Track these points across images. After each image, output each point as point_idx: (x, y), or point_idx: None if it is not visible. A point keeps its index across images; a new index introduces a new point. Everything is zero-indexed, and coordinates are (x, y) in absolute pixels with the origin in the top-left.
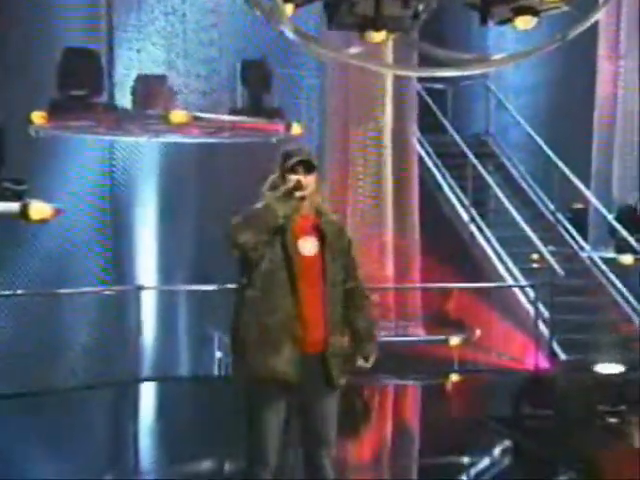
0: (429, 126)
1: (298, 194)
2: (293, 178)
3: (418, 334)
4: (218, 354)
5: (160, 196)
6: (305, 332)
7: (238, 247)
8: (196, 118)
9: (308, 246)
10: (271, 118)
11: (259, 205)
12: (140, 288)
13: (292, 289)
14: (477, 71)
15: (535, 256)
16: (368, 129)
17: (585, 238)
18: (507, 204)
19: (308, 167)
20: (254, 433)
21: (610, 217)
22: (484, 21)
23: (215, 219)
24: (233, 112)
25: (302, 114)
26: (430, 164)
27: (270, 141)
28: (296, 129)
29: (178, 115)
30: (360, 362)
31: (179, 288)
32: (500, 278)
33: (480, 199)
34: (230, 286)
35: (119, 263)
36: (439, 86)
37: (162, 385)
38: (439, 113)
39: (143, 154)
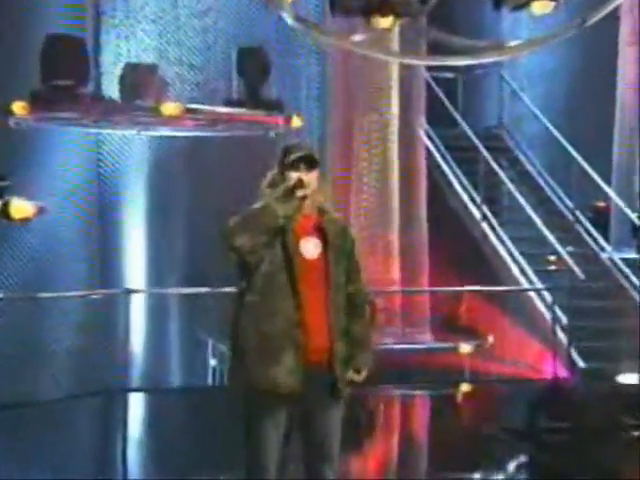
0: (438, 118)
1: (299, 193)
2: (294, 176)
3: (426, 341)
4: (212, 362)
5: (150, 193)
6: (307, 339)
7: (235, 250)
8: (189, 110)
9: (310, 247)
10: (269, 110)
11: (257, 205)
12: (129, 291)
13: (293, 293)
14: (490, 59)
15: (552, 257)
16: (372, 121)
17: (606, 238)
18: (522, 201)
19: (310, 163)
20: (252, 447)
21: (633, 215)
22: (497, 7)
23: (209, 218)
24: (229, 104)
25: (302, 106)
26: (439, 159)
27: (268, 135)
28: (296, 122)
29: (170, 107)
30: (351, 374)
31: (170, 291)
32: (514, 281)
33: (493, 196)
34: (225, 289)
35: (106, 265)
36: (449, 75)
37: (152, 396)
38: (449, 104)
39: (132, 148)
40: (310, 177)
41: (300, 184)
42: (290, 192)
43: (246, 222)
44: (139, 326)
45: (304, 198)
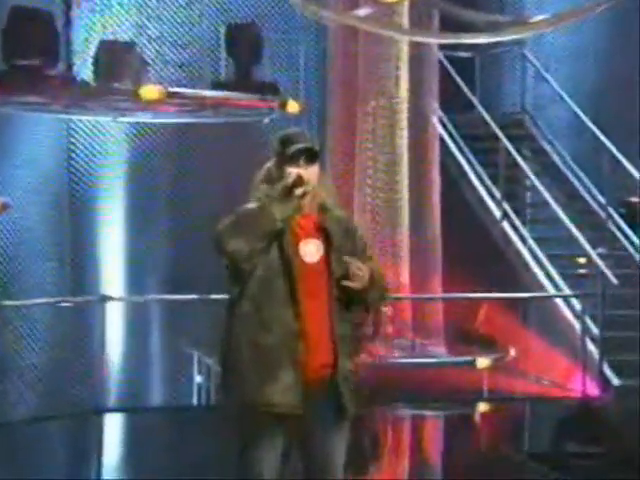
0: (453, 102)
1: (299, 191)
2: (293, 171)
3: (439, 354)
4: (198, 379)
5: (129, 187)
6: (308, 353)
7: (229, 256)
8: (171, 94)
9: (311, 250)
10: (262, 94)
11: (252, 205)
12: (104, 299)
13: (292, 301)
14: (512, 36)
15: (582, 260)
16: (379, 107)
17: None
18: (547, 197)
19: (310, 157)
20: (247, 470)
21: None
22: None
23: (195, 215)
24: (216, 86)
25: (299, 89)
26: (454, 149)
27: (261, 121)
28: (292, 107)
29: (150, 90)
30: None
31: (152, 298)
32: (539, 287)
33: (514, 191)
34: (214, 296)
35: (79, 268)
36: (465, 54)
37: (131, 417)
38: (465, 87)
39: (108, 137)
40: (310, 172)
41: (300, 181)
42: (288, 190)
43: (240, 225)
44: (116, 338)
45: (304, 196)
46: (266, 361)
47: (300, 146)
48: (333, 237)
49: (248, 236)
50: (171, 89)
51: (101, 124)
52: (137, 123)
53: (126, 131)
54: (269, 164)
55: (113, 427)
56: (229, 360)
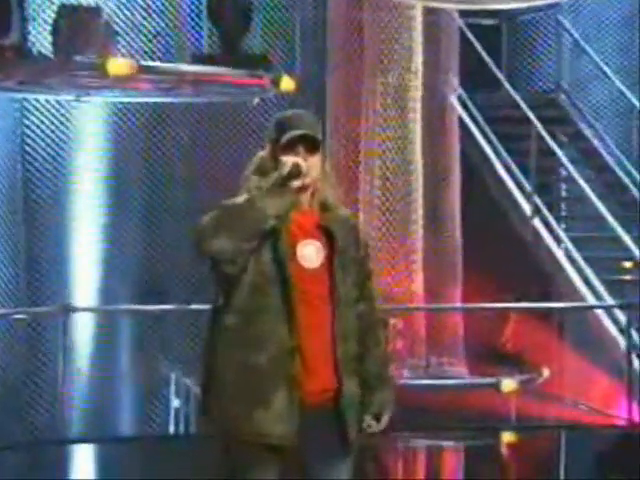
0: (475, 79)
1: (296, 183)
2: (290, 160)
3: (459, 375)
4: (175, 403)
5: (96, 180)
6: (306, 374)
7: (210, 258)
8: (145, 69)
9: (310, 253)
10: (252, 69)
11: (240, 199)
12: (67, 309)
13: (288, 314)
14: (545, 0)
15: (627, 264)
16: (388, 84)
17: None
18: (587, 190)
19: (311, 144)
20: None
21: None
22: None
23: (174, 213)
24: (197, 60)
25: (295, 62)
26: (477, 134)
27: (251, 102)
28: (287, 83)
29: (119, 64)
30: (368, 421)
31: (122, 309)
32: (576, 295)
33: (548, 183)
34: (194, 306)
35: (36, 275)
36: (489, 22)
37: (98, 448)
38: (489, 60)
39: (70, 120)
40: (311, 162)
41: (297, 172)
42: (284, 182)
43: (225, 221)
44: (80, 355)
45: (303, 189)
46: (256, 384)
47: (299, 131)
48: (337, 238)
49: (234, 234)
50: (144, 63)
51: (62, 104)
52: (104, 103)
53: (92, 113)
54: (263, 152)
55: (77, 460)
56: (212, 382)
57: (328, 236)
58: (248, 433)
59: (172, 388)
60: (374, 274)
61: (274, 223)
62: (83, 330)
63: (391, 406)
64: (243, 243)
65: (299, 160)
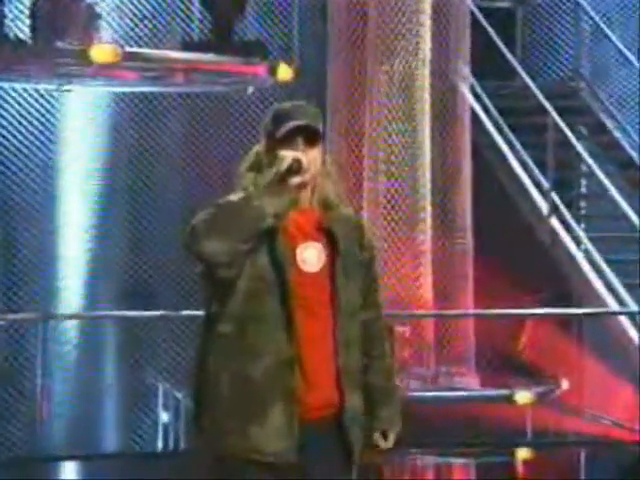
0: (488, 67)
1: (296, 180)
2: (288, 155)
3: (470, 386)
4: (164, 417)
5: (76, 176)
6: (306, 387)
7: (203, 261)
8: (131, 56)
9: (310, 256)
10: (246, 56)
11: (235, 197)
12: (46, 316)
13: (286, 322)
14: None
15: None
16: (394, 72)
17: None
18: (608, 186)
19: (311, 137)
20: None
21: None
22: None
23: (163, 211)
24: (188, 47)
25: (293, 49)
26: (489, 125)
27: (245, 91)
28: (284, 72)
29: (103, 51)
30: (376, 439)
31: (106, 315)
32: (597, 300)
33: (566, 179)
34: (185, 312)
35: (13, 280)
36: (504, 4)
37: (81, 466)
38: (503, 46)
39: (50, 111)
40: (311, 157)
41: (297, 167)
42: (283, 179)
43: (220, 221)
44: (62, 366)
45: (302, 186)
46: (252, 397)
47: (298, 123)
48: (339, 240)
49: (229, 235)
50: (130, 49)
51: (41, 94)
52: (88, 93)
53: (73, 103)
54: (259, 146)
55: (57, 479)
56: (205, 395)
57: (329, 237)
58: (243, 450)
59: (160, 401)
60: (380, 278)
61: (272, 223)
62: (64, 338)
63: (399, 422)
64: (239, 244)
65: (298, 155)
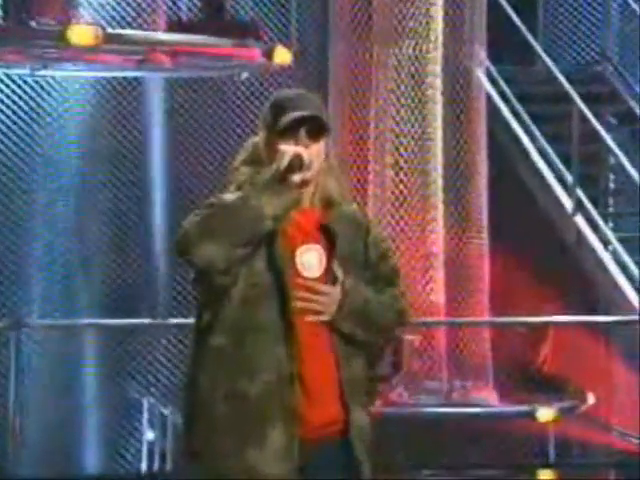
0: (507, 50)
1: (297, 177)
2: (289, 150)
3: (487, 401)
4: (149, 435)
5: (54, 170)
6: (308, 404)
7: (196, 267)
8: (113, 37)
9: (310, 260)
10: (240, 38)
11: (232, 196)
12: (19, 325)
13: (286, 333)
14: None
15: None
16: (403, 56)
17: None
18: (639, 181)
19: (315, 129)
20: None
21: None
22: None
23: (147, 208)
24: (175, 27)
25: (291, 30)
26: (507, 114)
27: (238, 77)
28: (281, 55)
29: (82, 32)
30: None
31: (86, 323)
32: (626, 305)
33: (593, 173)
34: (173, 321)
35: None
36: None
37: None
38: (523, 27)
39: (24, 98)
40: (314, 150)
41: (299, 164)
42: (283, 176)
43: (215, 223)
44: (35, 379)
45: (304, 185)
46: (248, 416)
47: (301, 114)
48: (338, 241)
49: (225, 239)
50: (112, 31)
51: (13, 79)
52: (65, 77)
53: (49, 89)
54: (256, 138)
55: None
56: (196, 413)
57: (329, 238)
58: (239, 473)
59: (145, 418)
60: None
61: (272, 225)
62: (39, 349)
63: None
64: (236, 249)
65: (300, 150)
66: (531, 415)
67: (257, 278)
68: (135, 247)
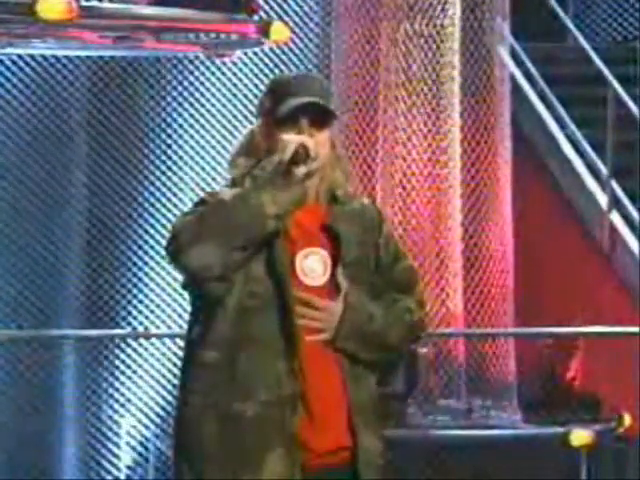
0: (533, 26)
1: (301, 170)
2: (293, 140)
3: (512, 423)
4: (127, 459)
5: (19, 162)
6: (312, 428)
7: (189, 272)
8: (87, 11)
9: (313, 266)
10: (232, 12)
11: (229, 193)
12: None
13: (286, 348)
14: None
15: None
16: (415, 33)
17: None
18: None
19: (320, 116)
20: None
21: None
22: None
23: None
24: (159, 1)
25: (290, 4)
26: (533, 97)
27: (230, 56)
28: (279, 32)
29: (52, 5)
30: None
31: (58, 334)
32: None
33: (630, 164)
34: (154, 331)
35: None
36: None
37: None
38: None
39: None
40: (319, 140)
41: (303, 154)
42: (287, 170)
43: (210, 223)
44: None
45: (307, 178)
46: (244, 440)
47: (304, 99)
48: (345, 245)
49: (222, 240)
50: (87, 4)
51: None
52: (35, 57)
53: (17, 70)
54: (254, 127)
55: None
56: (186, 437)
57: (335, 239)
58: None
59: (123, 441)
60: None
61: (275, 226)
62: (4, 363)
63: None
64: (234, 252)
65: (305, 139)
66: (563, 438)
67: (255, 286)
68: (113, 250)
